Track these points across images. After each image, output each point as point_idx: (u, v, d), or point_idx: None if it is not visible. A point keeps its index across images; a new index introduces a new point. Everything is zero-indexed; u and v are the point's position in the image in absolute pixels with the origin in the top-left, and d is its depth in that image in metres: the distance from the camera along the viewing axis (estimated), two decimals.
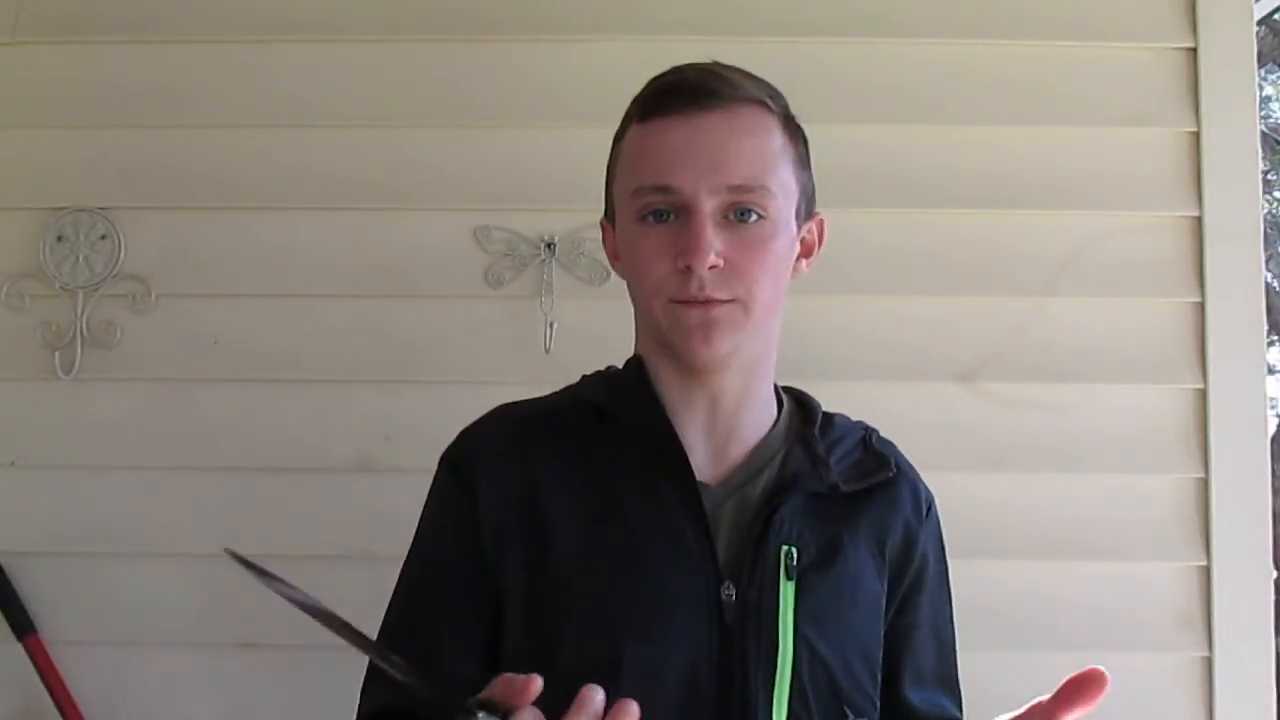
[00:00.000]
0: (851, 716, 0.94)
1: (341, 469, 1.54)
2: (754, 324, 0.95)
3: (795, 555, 0.94)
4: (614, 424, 0.98)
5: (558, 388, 1.07)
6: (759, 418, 1.01)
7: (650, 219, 0.93)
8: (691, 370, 0.97)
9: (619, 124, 1.00)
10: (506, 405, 1.04)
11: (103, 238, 1.57)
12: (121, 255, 1.57)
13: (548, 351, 1.54)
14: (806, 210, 1.00)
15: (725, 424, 0.99)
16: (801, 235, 1.00)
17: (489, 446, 1.00)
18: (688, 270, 0.91)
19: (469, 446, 1.01)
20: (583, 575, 0.93)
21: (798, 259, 1.00)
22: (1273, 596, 1.54)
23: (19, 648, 1.49)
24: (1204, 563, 1.53)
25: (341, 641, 1.01)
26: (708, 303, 0.92)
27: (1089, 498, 1.55)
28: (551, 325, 1.55)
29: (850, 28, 1.60)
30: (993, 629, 1.52)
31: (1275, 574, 1.58)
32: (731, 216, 0.92)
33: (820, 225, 1.03)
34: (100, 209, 1.57)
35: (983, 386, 1.57)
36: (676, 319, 0.94)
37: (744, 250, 0.92)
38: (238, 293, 1.58)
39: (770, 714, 0.90)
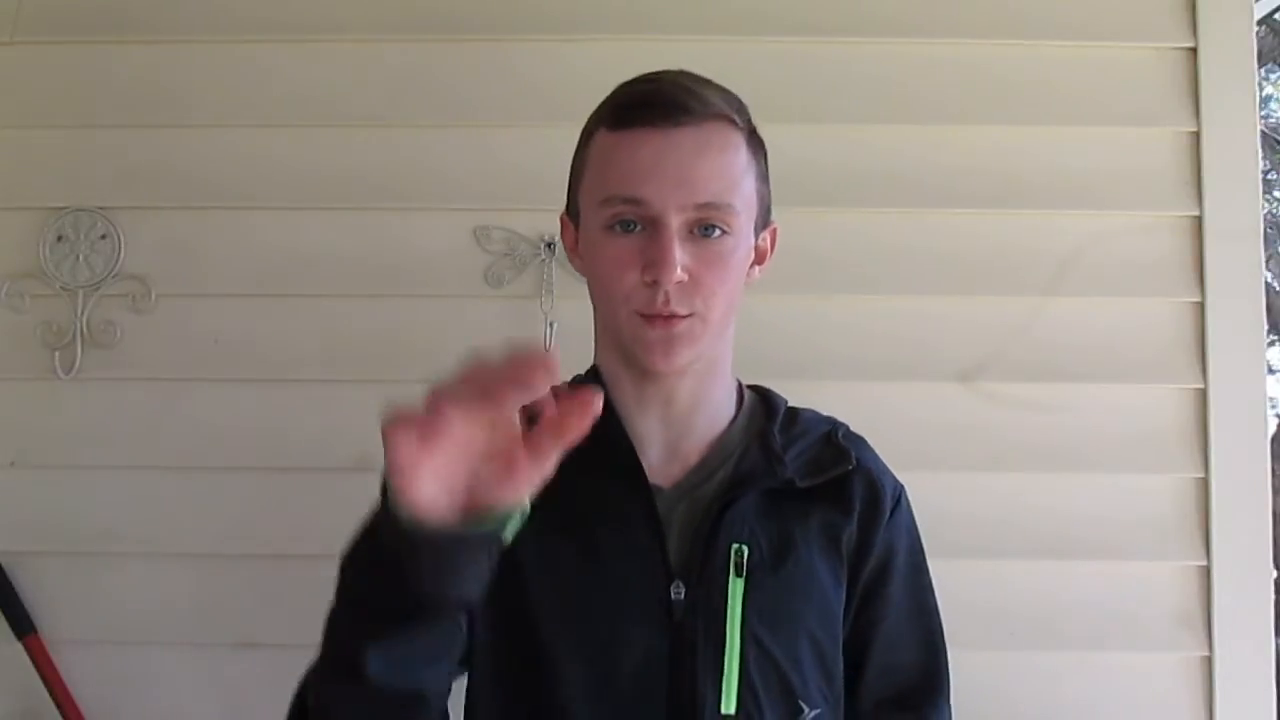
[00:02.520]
0: (806, 710, 0.96)
1: (341, 469, 1.54)
2: (710, 335, 0.97)
3: (745, 553, 0.96)
4: None
5: None
6: (713, 417, 1.03)
7: (617, 228, 0.95)
8: (647, 375, 0.99)
9: (586, 122, 1.01)
10: None
11: (103, 238, 1.57)
12: (121, 255, 1.57)
13: (547, 351, 1.54)
14: (763, 221, 1.02)
15: (678, 425, 1.02)
16: (756, 244, 1.02)
17: None
18: (654, 284, 0.93)
19: None
20: (539, 579, 0.96)
21: (751, 266, 1.02)
22: (1273, 596, 1.54)
23: (19, 648, 1.50)
24: (1204, 563, 1.53)
25: None
26: (670, 319, 0.94)
27: (1089, 498, 1.55)
28: (551, 325, 1.55)
29: (850, 28, 1.60)
30: (993, 629, 1.52)
31: (1275, 574, 1.58)
32: (696, 231, 0.94)
33: (773, 234, 1.05)
34: (100, 209, 1.57)
35: (983, 386, 1.57)
36: (639, 333, 0.96)
37: (705, 265, 0.94)
38: (238, 293, 1.58)
39: (719, 708, 0.93)
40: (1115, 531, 1.55)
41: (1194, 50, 1.58)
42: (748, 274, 1.02)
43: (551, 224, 1.54)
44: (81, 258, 1.57)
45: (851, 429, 1.09)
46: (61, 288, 1.56)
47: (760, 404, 1.08)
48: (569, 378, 1.08)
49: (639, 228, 0.94)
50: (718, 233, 0.95)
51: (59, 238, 1.57)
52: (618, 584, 0.96)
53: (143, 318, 1.57)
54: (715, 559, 0.96)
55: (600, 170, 0.97)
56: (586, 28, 1.58)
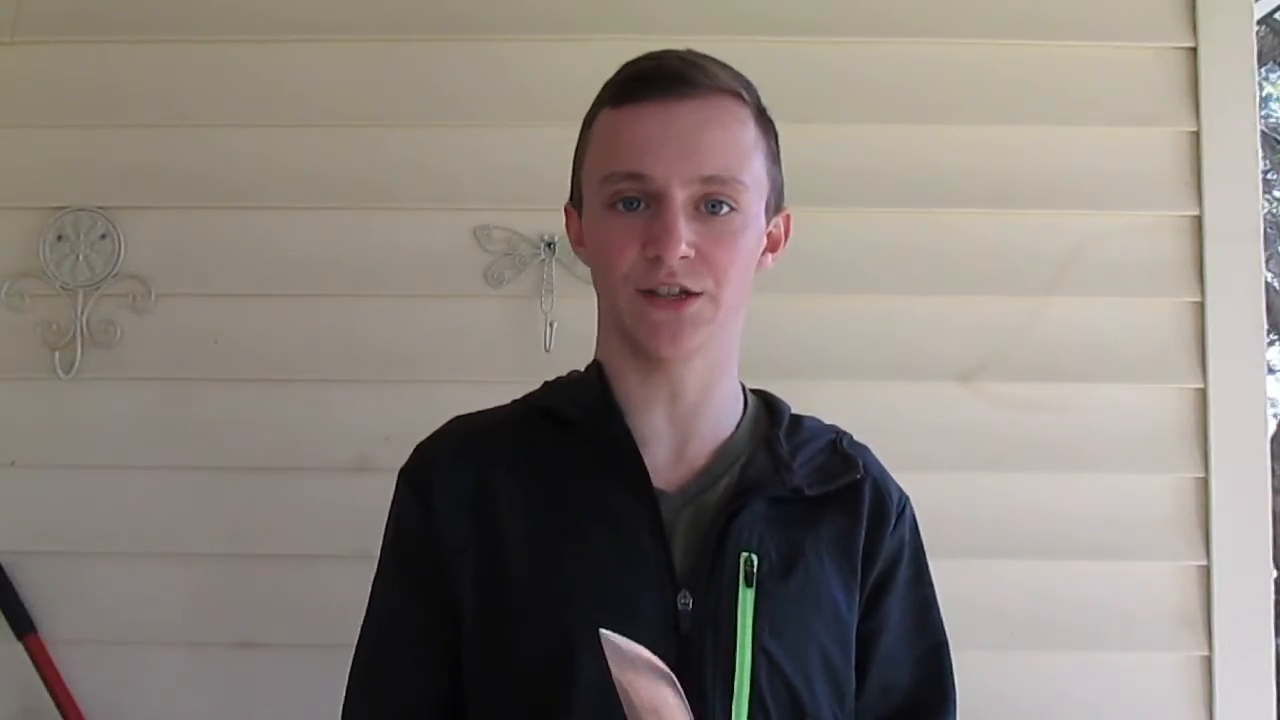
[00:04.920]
0: None
1: (341, 469, 1.54)
2: (721, 319, 0.94)
3: (755, 562, 0.92)
4: (572, 431, 0.98)
5: None
6: (720, 416, 1.00)
7: (620, 206, 0.92)
8: (653, 363, 0.96)
9: (589, 108, 0.99)
10: (461, 417, 1.04)
11: (103, 237, 1.57)
12: (121, 255, 1.57)
13: (548, 351, 1.54)
14: (775, 205, 0.99)
15: (685, 422, 0.98)
16: (768, 230, 0.99)
17: (444, 460, 1.00)
18: (657, 260, 0.90)
19: (425, 460, 1.01)
20: (538, 586, 0.92)
21: (763, 253, 0.99)
22: (1273, 596, 1.54)
23: (19, 648, 1.49)
24: (1204, 563, 1.53)
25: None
26: (679, 302, 0.91)
27: (1089, 498, 1.55)
28: (551, 325, 1.55)
29: (850, 28, 1.60)
30: (993, 629, 1.52)
31: (1275, 574, 1.58)
32: (703, 207, 0.91)
33: (787, 220, 1.02)
34: (100, 209, 1.57)
35: (983, 386, 1.57)
36: (643, 314, 0.93)
37: (714, 242, 0.91)
38: (238, 293, 1.57)
39: None
40: (1115, 531, 1.55)
41: (1194, 50, 1.58)
42: (760, 261, 0.98)
43: (551, 224, 1.55)
44: (81, 258, 1.57)
45: (854, 438, 1.07)
46: (61, 287, 1.56)
47: (764, 409, 1.05)
48: (568, 373, 1.07)
49: (642, 205, 0.91)
50: (725, 209, 0.92)
51: (59, 238, 1.57)
52: (621, 593, 0.91)
53: (143, 318, 1.57)
54: (724, 568, 0.92)
55: (602, 148, 0.95)
56: (587, 27, 1.58)
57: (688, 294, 0.92)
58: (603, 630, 0.79)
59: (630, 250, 0.92)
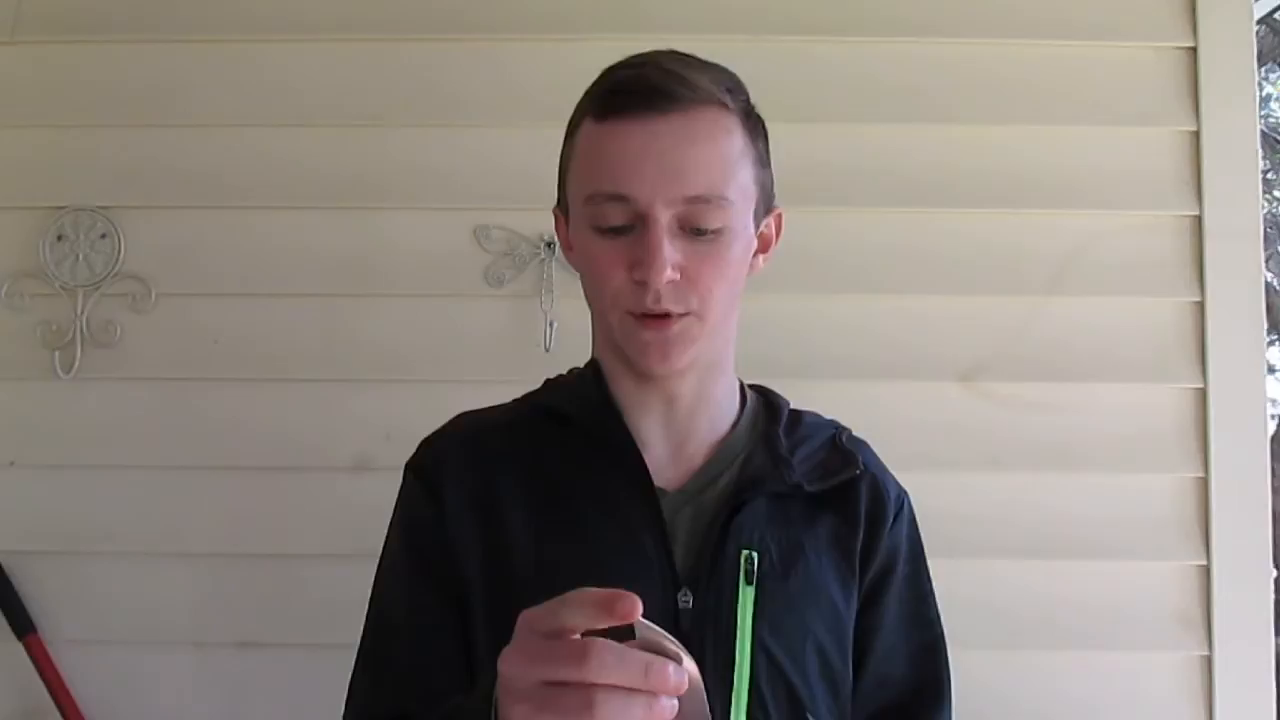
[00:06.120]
0: None
1: (341, 469, 1.54)
2: (709, 332, 0.93)
3: (756, 560, 0.92)
4: (573, 430, 0.98)
5: None
6: (716, 417, 1.00)
7: (604, 228, 0.91)
8: (646, 375, 0.96)
9: (573, 110, 0.97)
10: (467, 414, 1.04)
11: (103, 237, 1.57)
12: (121, 255, 1.57)
13: (548, 351, 1.55)
14: (765, 207, 0.97)
15: (682, 425, 0.98)
16: (759, 231, 0.97)
17: (452, 455, 0.99)
18: (644, 284, 0.89)
19: (434, 454, 1.01)
20: (540, 584, 0.89)
21: (754, 255, 0.98)
22: (1273, 596, 1.54)
23: (19, 648, 1.50)
24: (1204, 562, 1.53)
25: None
26: (665, 320, 0.91)
27: (1089, 498, 1.55)
28: (551, 325, 1.55)
29: (851, 28, 1.60)
30: (993, 629, 1.52)
31: (1275, 574, 1.58)
32: (688, 226, 0.90)
33: (778, 219, 1.00)
34: (100, 208, 1.57)
35: (983, 386, 1.57)
36: (633, 334, 0.92)
37: (701, 262, 0.90)
38: (238, 293, 1.58)
39: None
40: (1115, 531, 1.55)
41: (1194, 50, 1.58)
42: (751, 264, 0.97)
43: (551, 223, 1.54)
44: (81, 257, 1.57)
45: (854, 433, 1.07)
46: (61, 287, 1.56)
47: (763, 405, 1.05)
48: (568, 371, 1.07)
49: (627, 225, 0.90)
50: (712, 229, 0.90)
51: (59, 237, 1.57)
52: None
53: (143, 318, 1.57)
54: (725, 566, 0.91)
55: (586, 164, 0.93)
56: (586, 27, 1.58)
57: (671, 314, 0.91)
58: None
59: (618, 273, 0.91)
